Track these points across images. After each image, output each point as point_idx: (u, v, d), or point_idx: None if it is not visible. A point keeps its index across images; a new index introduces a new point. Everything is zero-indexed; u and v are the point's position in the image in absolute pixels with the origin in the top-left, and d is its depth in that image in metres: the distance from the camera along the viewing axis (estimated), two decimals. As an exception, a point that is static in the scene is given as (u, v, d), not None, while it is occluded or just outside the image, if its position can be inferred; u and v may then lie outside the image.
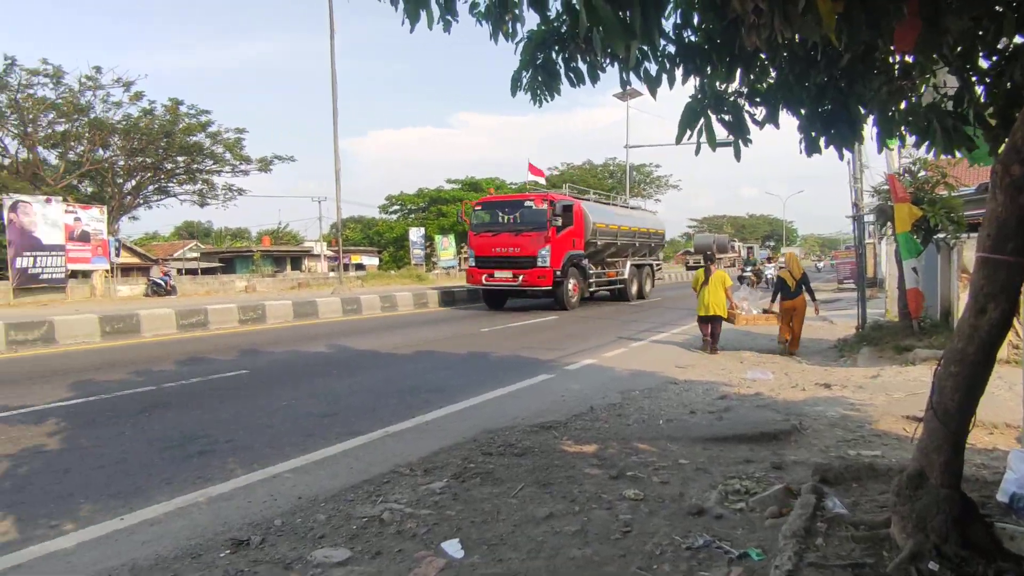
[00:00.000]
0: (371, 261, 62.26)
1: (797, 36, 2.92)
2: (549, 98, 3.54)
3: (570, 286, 18.80)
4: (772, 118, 3.54)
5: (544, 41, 3.38)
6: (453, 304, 22.09)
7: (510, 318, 16.65)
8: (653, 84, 3.18)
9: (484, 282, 19.13)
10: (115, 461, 5.04)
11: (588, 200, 22.07)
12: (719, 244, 66.30)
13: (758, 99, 3.54)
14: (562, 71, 3.43)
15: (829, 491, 3.74)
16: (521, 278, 18.36)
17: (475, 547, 3.35)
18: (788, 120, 3.61)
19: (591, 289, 20.66)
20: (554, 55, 3.43)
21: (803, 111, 3.51)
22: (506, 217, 19.25)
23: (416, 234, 46.91)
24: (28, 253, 20.80)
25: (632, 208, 26.89)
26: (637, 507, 3.85)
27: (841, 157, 3.81)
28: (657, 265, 27.18)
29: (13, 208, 20.75)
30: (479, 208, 19.97)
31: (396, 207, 60.78)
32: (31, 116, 28.02)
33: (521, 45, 3.38)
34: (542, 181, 22.87)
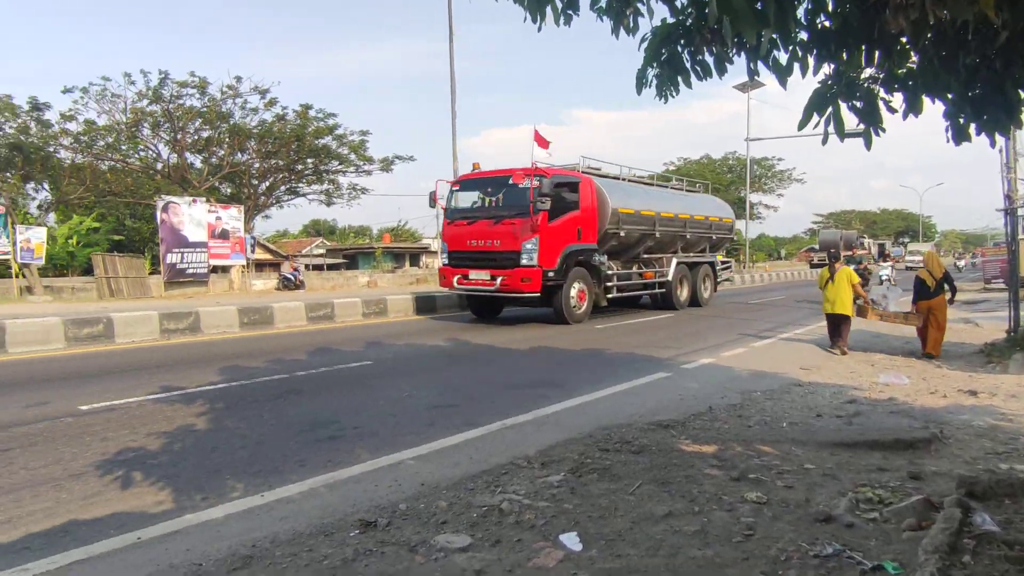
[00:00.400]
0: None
1: (947, 15, 2.72)
2: (675, 93, 3.48)
3: (573, 292, 14.22)
4: (913, 106, 3.32)
5: (669, 36, 3.33)
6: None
7: (624, 315, 16.47)
8: (784, 73, 3.07)
9: (456, 285, 14.57)
10: (255, 442, 5.42)
11: (607, 177, 16.64)
12: (846, 240, 62.53)
13: (895, 85, 3.34)
14: (688, 65, 3.36)
15: (977, 506, 3.48)
16: (500, 280, 13.59)
17: (593, 541, 3.36)
18: (927, 106, 3.38)
19: (614, 295, 15.64)
20: (679, 49, 3.37)
21: (950, 96, 3.27)
22: (487, 200, 14.81)
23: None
24: (177, 250, 22.65)
25: (684, 190, 20.74)
26: (760, 511, 3.73)
27: (993, 144, 3.52)
28: (723, 264, 21.47)
29: (165, 209, 22.68)
30: (456, 188, 15.39)
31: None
32: (180, 124, 30.43)
33: (646, 42, 3.35)
34: (546, 154, 16.67)
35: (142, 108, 29.09)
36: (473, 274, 14.18)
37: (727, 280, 24.16)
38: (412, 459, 4.92)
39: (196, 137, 32.10)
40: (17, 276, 23.97)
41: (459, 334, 12.63)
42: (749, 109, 42.01)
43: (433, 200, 15.96)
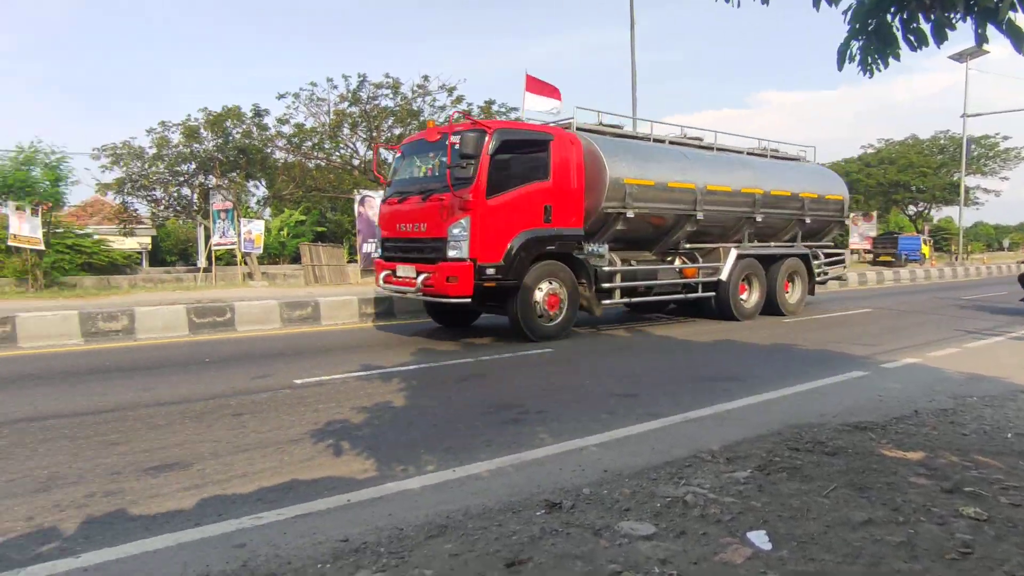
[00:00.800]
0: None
1: None
2: (882, 66, 3.23)
3: (539, 296, 10.14)
4: None
5: (878, 4, 3.10)
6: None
7: (814, 308, 15.45)
8: (1022, 38, 2.74)
9: (382, 284, 10.95)
10: (446, 420, 5.77)
11: (610, 135, 11.93)
12: (1091, 229, 54.14)
13: None
14: (900, 34, 3.10)
15: None
16: (422, 278, 9.88)
17: (783, 541, 3.23)
18: None
19: (624, 299, 11.74)
20: (890, 17, 3.12)
21: None
22: (423, 168, 10.73)
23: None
24: (372, 240, 24.43)
25: (767, 154, 14.89)
26: (979, 528, 3.38)
27: None
28: (830, 257, 15.93)
29: (361, 202, 24.59)
30: (399, 155, 11.50)
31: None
32: (376, 123, 32.76)
33: (850, 12, 3.14)
34: (556, 104, 13.21)
35: (343, 110, 31.69)
36: (401, 269, 10.53)
37: (839, 279, 18.33)
38: (594, 445, 4.99)
39: (389, 135, 34.41)
40: (241, 264, 27.14)
41: (637, 325, 12.52)
42: (967, 81, 37.41)
43: (373, 171, 11.97)
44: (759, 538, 3.27)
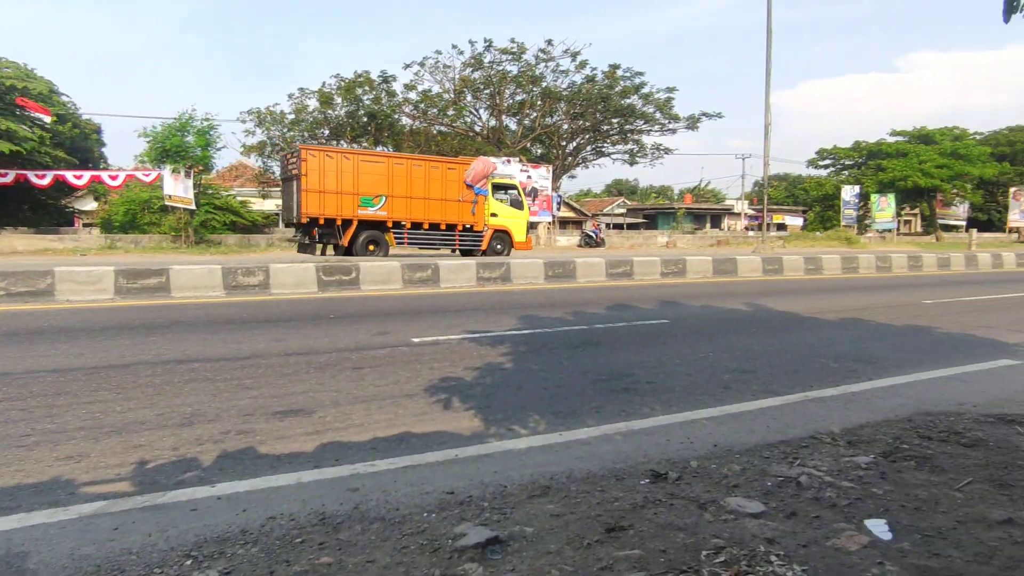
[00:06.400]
0: (794, 221, 59.11)
1: None
2: (1055, 17, 2.87)
3: None
4: None
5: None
6: (890, 270, 19.77)
7: (962, 290, 14.24)
8: None
9: None
10: (555, 385, 5.80)
11: None
12: None
13: None
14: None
15: None
16: None
17: (905, 533, 3.03)
18: None
19: None
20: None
21: None
22: None
23: (849, 192, 43.01)
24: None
25: None
26: None
27: None
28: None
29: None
30: None
31: (827, 161, 56.17)
32: (498, 89, 32.95)
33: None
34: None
35: (467, 76, 32.06)
36: None
37: None
38: (706, 419, 4.87)
39: (511, 101, 34.52)
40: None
41: (760, 299, 12.03)
42: None
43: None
44: (878, 527, 3.08)
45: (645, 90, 33.96)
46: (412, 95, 32.03)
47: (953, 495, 3.47)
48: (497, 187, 21.27)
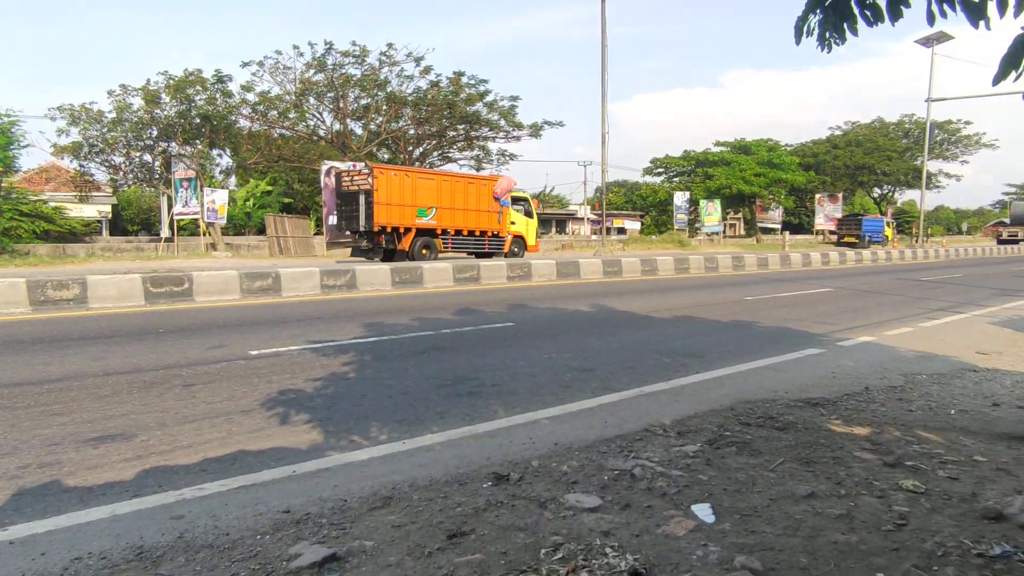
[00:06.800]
0: (632, 225, 62.40)
1: None
2: (840, 41, 3.20)
3: None
4: None
5: (835, -23, 3.06)
6: (717, 270, 21.36)
7: (778, 287, 15.66)
8: (976, 13, 2.71)
9: None
10: (400, 392, 5.71)
11: None
12: (1046, 214, 55.70)
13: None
14: (857, 9, 3.07)
15: None
16: None
17: (727, 515, 3.25)
18: None
19: None
20: (846, -8, 3.08)
21: None
22: None
23: (680, 198, 45.96)
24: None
25: None
26: (916, 500, 3.44)
27: None
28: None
29: (327, 173, 24.14)
30: None
31: (660, 170, 59.91)
32: (342, 93, 32.15)
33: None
34: None
35: (309, 78, 31.01)
36: None
37: None
38: (547, 419, 4.98)
39: (356, 105, 33.80)
40: (204, 234, 26.61)
41: (601, 300, 12.56)
42: (932, 66, 37.78)
43: None
44: (703, 511, 3.29)
45: (489, 98, 34.51)
46: (250, 96, 30.50)
47: (768, 475, 3.78)
48: (514, 200, 24.78)
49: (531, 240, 25.76)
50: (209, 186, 27.26)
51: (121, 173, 29.15)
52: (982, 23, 2.78)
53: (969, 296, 14.91)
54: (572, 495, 3.46)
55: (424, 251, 21.10)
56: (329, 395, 5.60)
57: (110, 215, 37.91)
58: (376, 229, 19.91)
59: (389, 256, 20.23)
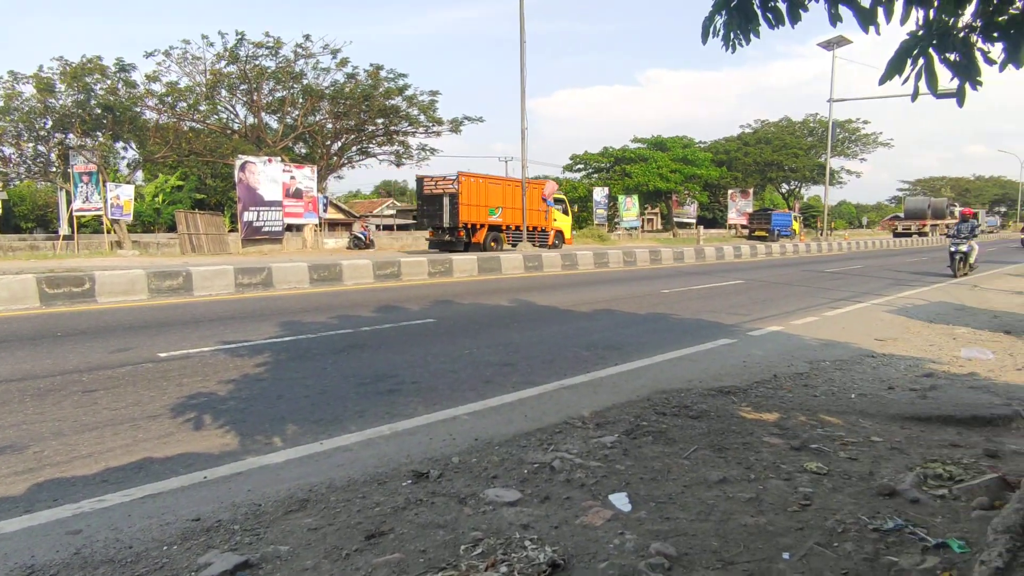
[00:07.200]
0: (554, 221, 62.91)
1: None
2: (744, 42, 3.30)
3: None
4: (1014, 55, 3.03)
5: (738, -21, 3.16)
6: (635, 264, 21.83)
7: (693, 280, 16.15)
8: (867, 19, 2.85)
9: None
10: (318, 392, 5.58)
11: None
12: (935, 209, 59.52)
13: (995, 33, 3.06)
14: (760, 12, 3.18)
15: (1057, 486, 3.26)
16: None
17: (642, 503, 3.33)
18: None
19: None
20: (749, -6, 3.19)
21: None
22: None
23: (600, 194, 46.73)
24: (253, 208, 23.30)
25: None
26: (819, 481, 3.61)
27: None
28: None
29: (242, 168, 23.34)
30: None
31: (580, 166, 60.71)
32: (255, 85, 31.10)
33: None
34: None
35: (220, 70, 29.84)
36: None
37: None
38: (467, 415, 4.97)
39: (271, 98, 32.80)
40: (108, 231, 25.24)
41: (522, 295, 12.64)
42: (834, 68, 39.81)
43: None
44: (620, 500, 3.35)
45: (409, 92, 34.08)
46: (156, 87, 29.07)
47: (682, 463, 3.89)
48: (556, 200, 29.80)
49: (568, 234, 30.72)
50: (113, 180, 25.84)
51: (12, 166, 27.29)
52: (872, 28, 2.93)
53: (868, 286, 15.80)
54: (492, 490, 3.46)
55: (492, 244, 25.53)
56: (243, 397, 5.41)
57: (0, 211, 35.48)
58: (460, 225, 24.45)
59: (467, 248, 24.52)
